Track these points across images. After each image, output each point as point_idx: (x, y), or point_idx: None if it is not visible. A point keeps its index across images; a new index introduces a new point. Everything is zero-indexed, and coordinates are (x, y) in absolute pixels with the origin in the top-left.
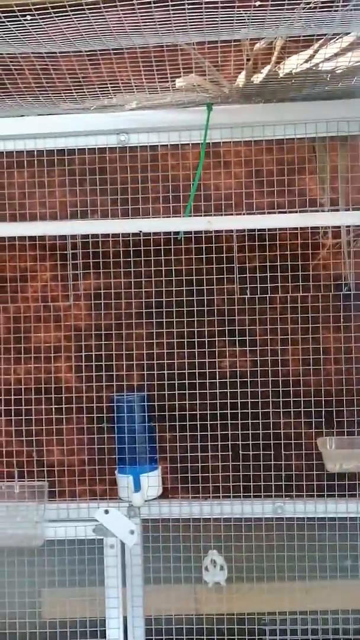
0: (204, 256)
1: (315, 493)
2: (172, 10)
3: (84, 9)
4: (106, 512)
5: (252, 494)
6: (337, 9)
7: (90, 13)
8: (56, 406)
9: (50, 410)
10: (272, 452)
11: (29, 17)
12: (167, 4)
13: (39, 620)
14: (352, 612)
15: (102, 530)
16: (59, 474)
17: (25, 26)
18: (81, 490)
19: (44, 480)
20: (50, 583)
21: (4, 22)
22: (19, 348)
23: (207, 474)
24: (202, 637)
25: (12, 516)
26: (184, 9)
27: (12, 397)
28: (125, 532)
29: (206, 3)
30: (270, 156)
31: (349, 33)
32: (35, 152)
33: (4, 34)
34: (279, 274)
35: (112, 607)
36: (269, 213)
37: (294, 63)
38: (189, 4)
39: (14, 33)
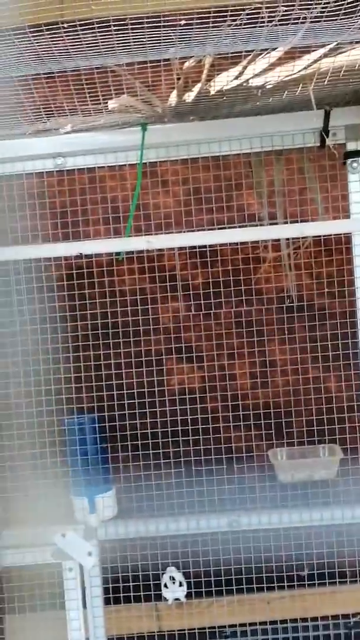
0: (147, 275)
1: (268, 504)
2: (99, 32)
3: (10, 36)
4: (63, 535)
5: (207, 509)
6: (262, 24)
7: (17, 38)
8: (7, 432)
9: (1, 436)
10: (225, 466)
11: None
12: (93, 26)
13: None
14: (311, 620)
15: (60, 554)
16: (14, 499)
17: None
18: (37, 514)
19: None
20: (11, 609)
21: None
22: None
23: (161, 492)
24: None
25: None
26: (110, 31)
27: None
28: (83, 554)
29: (132, 24)
30: (208, 173)
31: (276, 48)
32: None
33: None
34: (222, 289)
35: (74, 629)
36: (208, 230)
37: (224, 80)
38: (114, 25)
39: None
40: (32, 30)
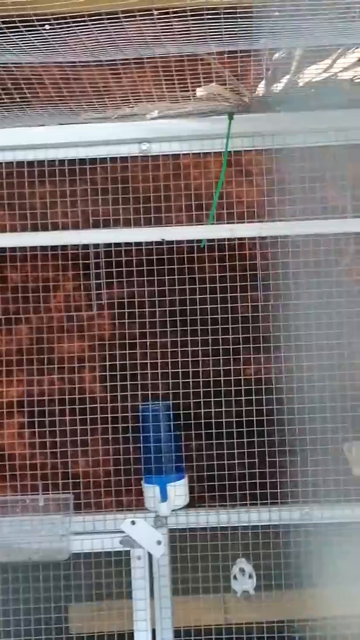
0: (227, 264)
1: (342, 498)
2: (191, 20)
3: (102, 20)
4: (133, 523)
5: (279, 500)
6: (354, 19)
7: (109, 23)
8: (81, 417)
9: (75, 421)
10: (298, 458)
11: (47, 27)
12: (186, 14)
13: (66, 635)
14: None
15: (128, 542)
16: (84, 485)
17: (44, 36)
18: (107, 501)
19: (69, 493)
20: (77, 597)
21: (22, 31)
22: (43, 359)
23: (234, 482)
24: None
25: (36, 530)
26: (203, 19)
27: (36, 408)
28: (152, 543)
29: (225, 13)
30: (292, 164)
31: None
32: (57, 162)
33: (23, 44)
34: (301, 280)
35: (140, 619)
36: (292, 220)
37: (313, 72)
38: (207, 13)
39: (33, 43)
40: (124, 15)
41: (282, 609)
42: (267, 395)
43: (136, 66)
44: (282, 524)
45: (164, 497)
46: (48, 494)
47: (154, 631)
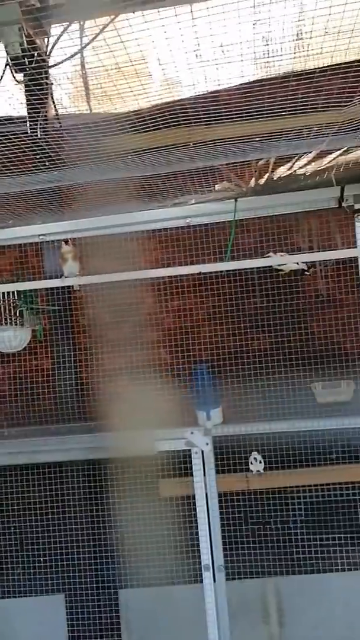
0: (239, 285)
1: (311, 415)
2: (211, 147)
3: (168, 148)
4: (192, 432)
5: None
6: (303, 138)
7: (167, 151)
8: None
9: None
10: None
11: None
12: (207, 145)
13: (157, 497)
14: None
15: (190, 443)
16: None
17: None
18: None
19: None
20: (162, 475)
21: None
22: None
23: (248, 409)
24: (251, 502)
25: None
26: (216, 147)
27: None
28: (203, 443)
29: (235, 140)
30: (272, 224)
31: (310, 152)
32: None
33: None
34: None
35: (198, 486)
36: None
37: (282, 171)
38: (217, 144)
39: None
40: (173, 147)
41: (281, 481)
42: (265, 361)
43: (181, 175)
44: (277, 431)
45: (208, 418)
46: None
47: (207, 495)
